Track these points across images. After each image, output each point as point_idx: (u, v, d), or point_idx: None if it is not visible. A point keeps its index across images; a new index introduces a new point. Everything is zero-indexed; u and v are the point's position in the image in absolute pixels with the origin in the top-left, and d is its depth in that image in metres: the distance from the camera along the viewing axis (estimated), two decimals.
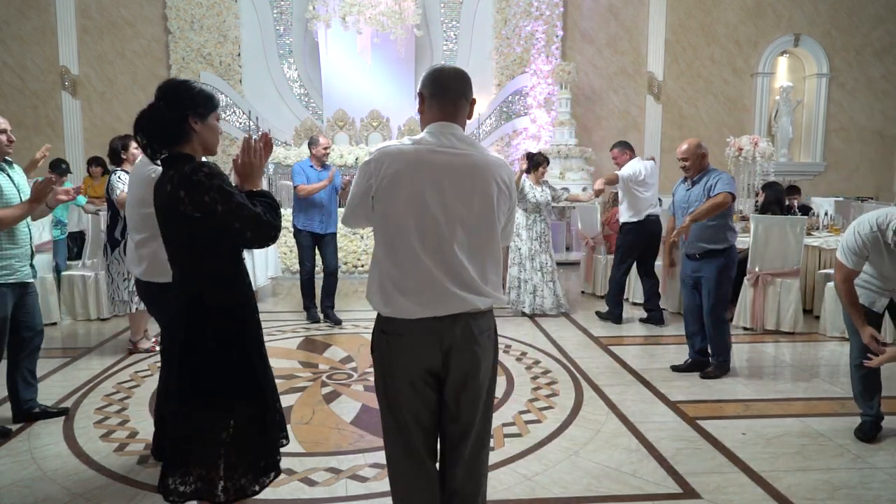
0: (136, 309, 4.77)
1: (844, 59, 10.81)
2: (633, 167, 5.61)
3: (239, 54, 10.12)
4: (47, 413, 3.57)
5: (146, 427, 3.47)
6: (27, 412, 3.50)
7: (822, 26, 10.71)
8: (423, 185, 1.84)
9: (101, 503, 2.69)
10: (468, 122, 2.03)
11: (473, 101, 2.01)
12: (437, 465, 2.04)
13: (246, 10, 10.18)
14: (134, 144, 4.83)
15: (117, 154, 4.76)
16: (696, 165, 4.23)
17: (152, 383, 4.15)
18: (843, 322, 5.18)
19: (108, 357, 4.73)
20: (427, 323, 1.86)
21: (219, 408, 2.02)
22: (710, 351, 4.37)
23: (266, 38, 10.37)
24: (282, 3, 10.39)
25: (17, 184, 3.37)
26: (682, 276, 4.49)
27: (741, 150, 7.84)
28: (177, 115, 2.03)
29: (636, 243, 5.70)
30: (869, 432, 3.29)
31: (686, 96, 10.71)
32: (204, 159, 2.10)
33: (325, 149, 5.65)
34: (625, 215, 5.71)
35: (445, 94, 1.94)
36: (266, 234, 1.96)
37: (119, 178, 4.64)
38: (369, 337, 5.94)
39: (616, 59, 10.57)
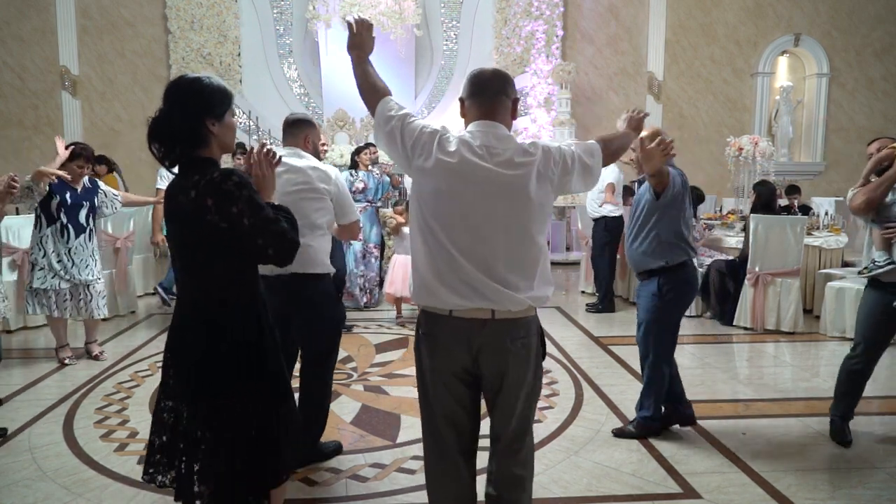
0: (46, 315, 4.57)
1: (844, 59, 10.80)
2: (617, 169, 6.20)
3: (239, 54, 10.11)
4: None
5: (146, 427, 3.46)
6: None
7: (822, 26, 10.70)
8: (460, 185, 1.85)
9: (101, 503, 2.69)
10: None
11: (516, 100, 1.99)
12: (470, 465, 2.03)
13: (246, 10, 10.18)
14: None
15: None
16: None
17: (152, 383, 4.15)
18: (843, 322, 5.21)
19: (108, 357, 4.73)
20: (458, 323, 1.87)
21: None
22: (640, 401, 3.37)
23: (266, 38, 10.36)
24: (282, 3, 10.39)
25: None
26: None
27: (741, 149, 7.83)
28: (192, 121, 1.84)
29: (617, 236, 6.31)
30: (843, 433, 3.25)
31: (686, 96, 10.70)
32: (231, 166, 2.01)
33: (321, 145, 5.50)
34: (604, 210, 6.25)
35: (482, 92, 1.95)
36: (289, 253, 1.85)
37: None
38: (369, 337, 5.91)
39: (616, 59, 10.57)
